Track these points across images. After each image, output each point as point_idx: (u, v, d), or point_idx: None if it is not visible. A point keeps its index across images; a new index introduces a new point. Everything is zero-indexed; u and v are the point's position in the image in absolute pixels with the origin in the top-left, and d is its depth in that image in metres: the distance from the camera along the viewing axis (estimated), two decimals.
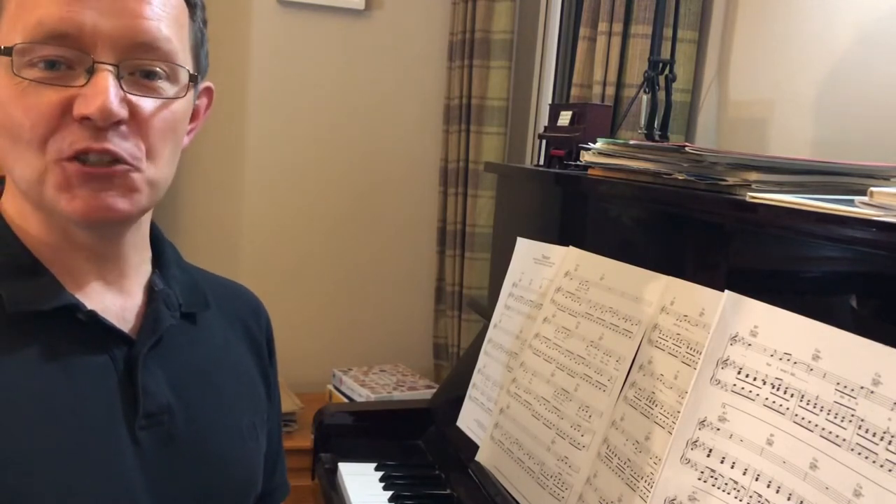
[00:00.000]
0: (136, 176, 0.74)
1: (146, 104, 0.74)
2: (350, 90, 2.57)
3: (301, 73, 2.53)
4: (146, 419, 0.76)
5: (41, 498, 0.69)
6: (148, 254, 0.86)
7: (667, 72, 1.66)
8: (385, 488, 1.39)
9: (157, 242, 0.88)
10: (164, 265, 0.86)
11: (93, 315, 0.76)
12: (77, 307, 0.75)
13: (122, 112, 0.72)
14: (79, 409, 0.73)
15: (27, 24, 0.70)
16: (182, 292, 0.86)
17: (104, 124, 0.71)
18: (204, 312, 0.88)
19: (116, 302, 0.80)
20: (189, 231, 2.47)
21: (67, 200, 0.72)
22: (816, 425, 0.77)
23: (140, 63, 0.74)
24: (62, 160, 0.71)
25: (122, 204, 0.74)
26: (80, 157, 0.71)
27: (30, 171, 0.73)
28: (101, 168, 0.72)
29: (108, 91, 0.70)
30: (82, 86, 0.71)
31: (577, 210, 1.44)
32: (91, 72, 0.71)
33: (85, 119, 0.70)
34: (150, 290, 0.83)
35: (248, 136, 2.51)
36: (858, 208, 0.82)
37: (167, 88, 0.76)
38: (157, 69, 0.75)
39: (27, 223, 0.77)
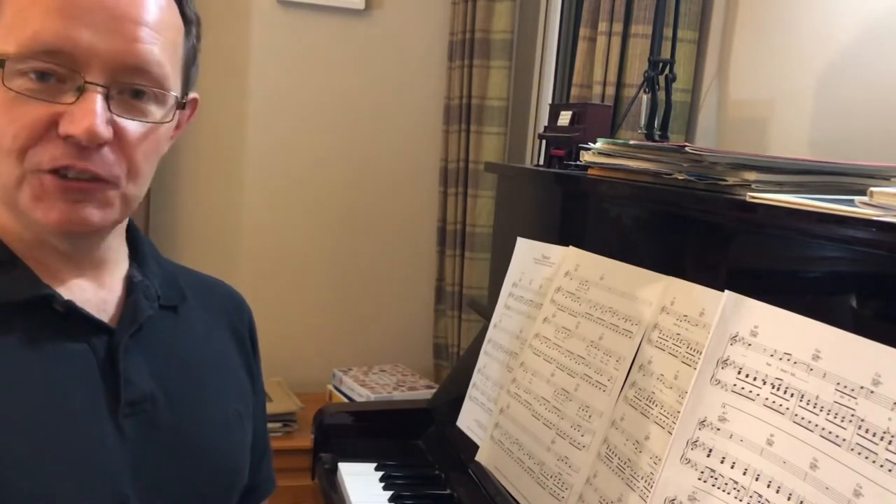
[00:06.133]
0: (112, 193, 0.76)
1: (132, 127, 0.75)
2: (350, 90, 2.57)
3: (301, 72, 2.53)
4: (129, 407, 0.77)
5: (22, 486, 0.69)
6: (125, 251, 0.87)
7: (667, 72, 1.66)
8: (385, 488, 1.39)
9: (134, 239, 0.89)
10: (141, 260, 0.87)
11: (70, 305, 0.76)
12: (53, 298, 0.75)
13: (108, 134, 0.72)
14: (58, 398, 0.73)
15: (22, 36, 0.70)
16: (161, 285, 0.86)
17: (89, 145, 0.72)
18: (184, 304, 0.89)
19: (97, 294, 0.81)
20: (189, 231, 2.47)
21: (43, 211, 0.73)
22: (816, 425, 0.77)
23: (130, 85, 0.74)
24: (40, 171, 0.72)
25: (95, 217, 0.75)
26: (59, 171, 0.72)
27: (7, 177, 0.73)
28: (79, 183, 0.73)
29: (95, 113, 0.71)
30: (70, 103, 0.71)
31: (576, 210, 1.44)
32: (80, 90, 0.71)
33: (70, 137, 0.71)
34: (129, 282, 0.84)
35: (247, 136, 2.51)
36: (858, 208, 0.82)
37: (154, 111, 0.77)
38: (146, 91, 0.76)
39: (3, 219, 0.77)
